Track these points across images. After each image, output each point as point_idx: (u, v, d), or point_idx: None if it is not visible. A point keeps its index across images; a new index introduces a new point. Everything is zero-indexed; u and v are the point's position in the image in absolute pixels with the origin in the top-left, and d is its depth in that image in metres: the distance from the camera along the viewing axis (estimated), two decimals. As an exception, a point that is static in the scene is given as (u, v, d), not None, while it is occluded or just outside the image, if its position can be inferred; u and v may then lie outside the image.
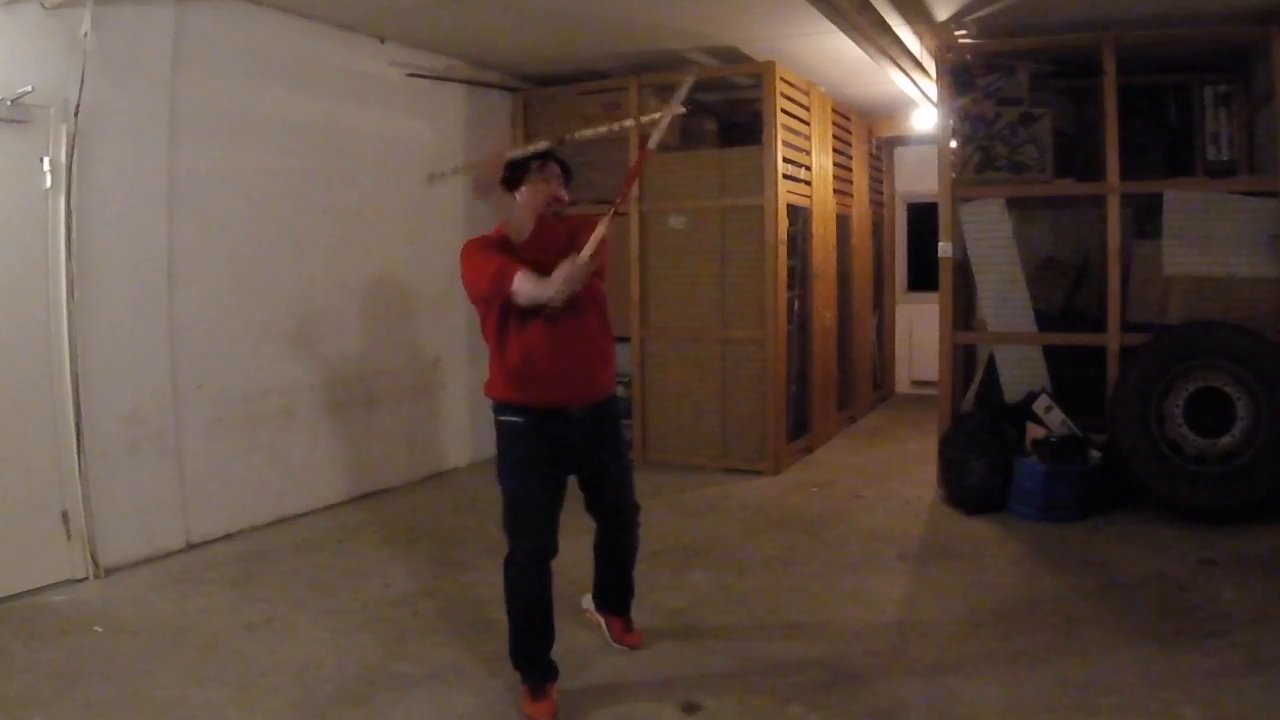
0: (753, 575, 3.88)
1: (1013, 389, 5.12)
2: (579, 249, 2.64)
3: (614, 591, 3.16)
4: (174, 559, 4.09)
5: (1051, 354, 5.09)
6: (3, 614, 3.43)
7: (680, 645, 3.16)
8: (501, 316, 2.73)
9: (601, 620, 3.17)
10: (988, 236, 5.11)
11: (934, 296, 5.30)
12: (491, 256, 2.69)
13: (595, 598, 3.20)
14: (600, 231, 2.64)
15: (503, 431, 2.79)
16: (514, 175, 2.81)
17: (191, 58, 4.20)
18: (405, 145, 5.49)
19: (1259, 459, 4.26)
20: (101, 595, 3.66)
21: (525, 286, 2.60)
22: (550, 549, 2.74)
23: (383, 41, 5.22)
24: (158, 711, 2.72)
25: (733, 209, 5.64)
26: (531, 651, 2.74)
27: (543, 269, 2.64)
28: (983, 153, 5.10)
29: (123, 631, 3.30)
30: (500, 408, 2.79)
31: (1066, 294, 5.46)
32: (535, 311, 2.68)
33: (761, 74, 5.57)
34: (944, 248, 5.12)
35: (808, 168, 6.01)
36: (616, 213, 2.77)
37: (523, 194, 2.79)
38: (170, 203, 4.15)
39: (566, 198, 2.86)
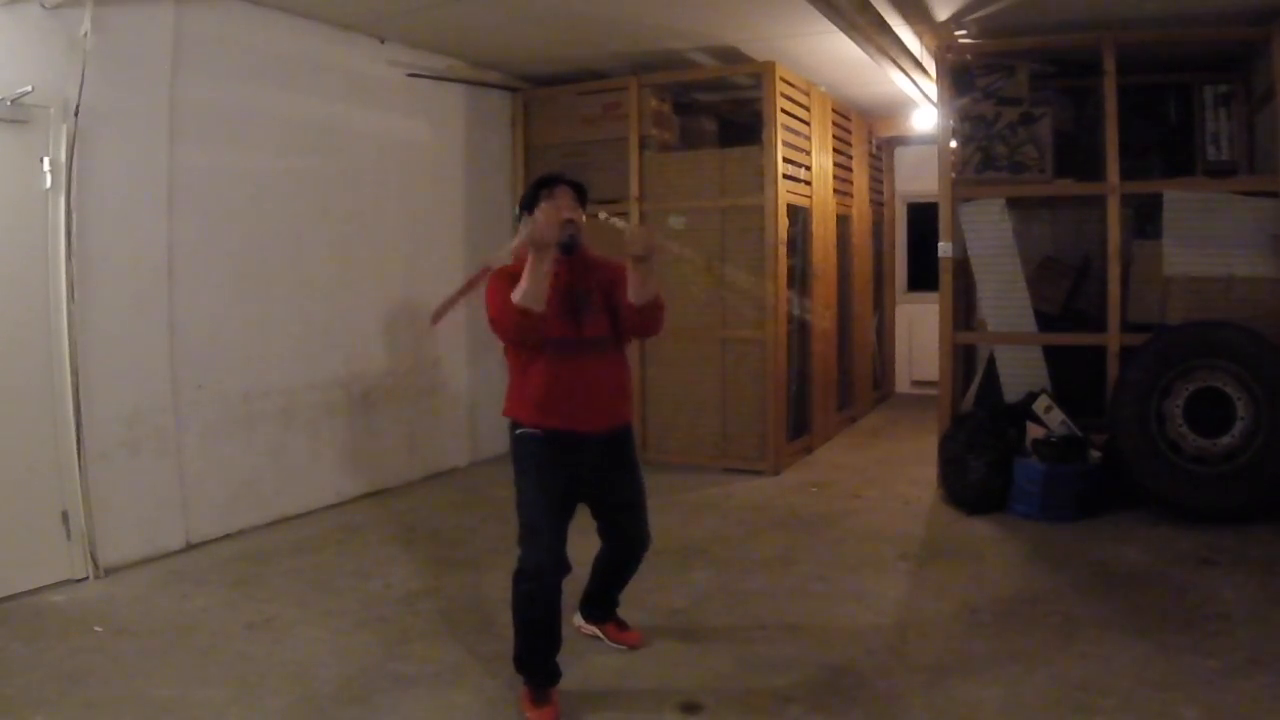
0: (753, 575, 3.88)
1: (1013, 389, 5.12)
2: (599, 291, 2.77)
3: (603, 604, 3.18)
4: (174, 559, 4.09)
5: (1051, 354, 5.09)
6: (3, 614, 3.42)
7: (680, 645, 3.16)
8: (528, 347, 2.73)
9: (596, 629, 3.18)
10: (988, 236, 5.11)
11: (934, 296, 5.30)
12: (508, 295, 2.65)
13: (583, 610, 3.22)
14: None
15: (519, 441, 2.80)
16: (527, 203, 2.82)
17: (191, 58, 4.20)
18: (405, 145, 5.49)
19: (1259, 459, 4.26)
20: (101, 595, 3.66)
21: (514, 302, 2.56)
22: (562, 565, 2.71)
23: (383, 41, 5.22)
24: (158, 711, 2.72)
25: (733, 209, 5.64)
26: (537, 659, 2.73)
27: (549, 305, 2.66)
28: (983, 153, 5.10)
29: (123, 631, 3.30)
30: (517, 423, 2.82)
31: (1066, 294, 5.46)
32: (559, 345, 2.70)
33: (761, 74, 5.57)
34: (944, 248, 5.13)
35: (808, 168, 6.01)
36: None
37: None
38: (170, 202, 4.15)
39: (582, 219, 2.83)
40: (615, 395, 2.86)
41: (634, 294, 2.72)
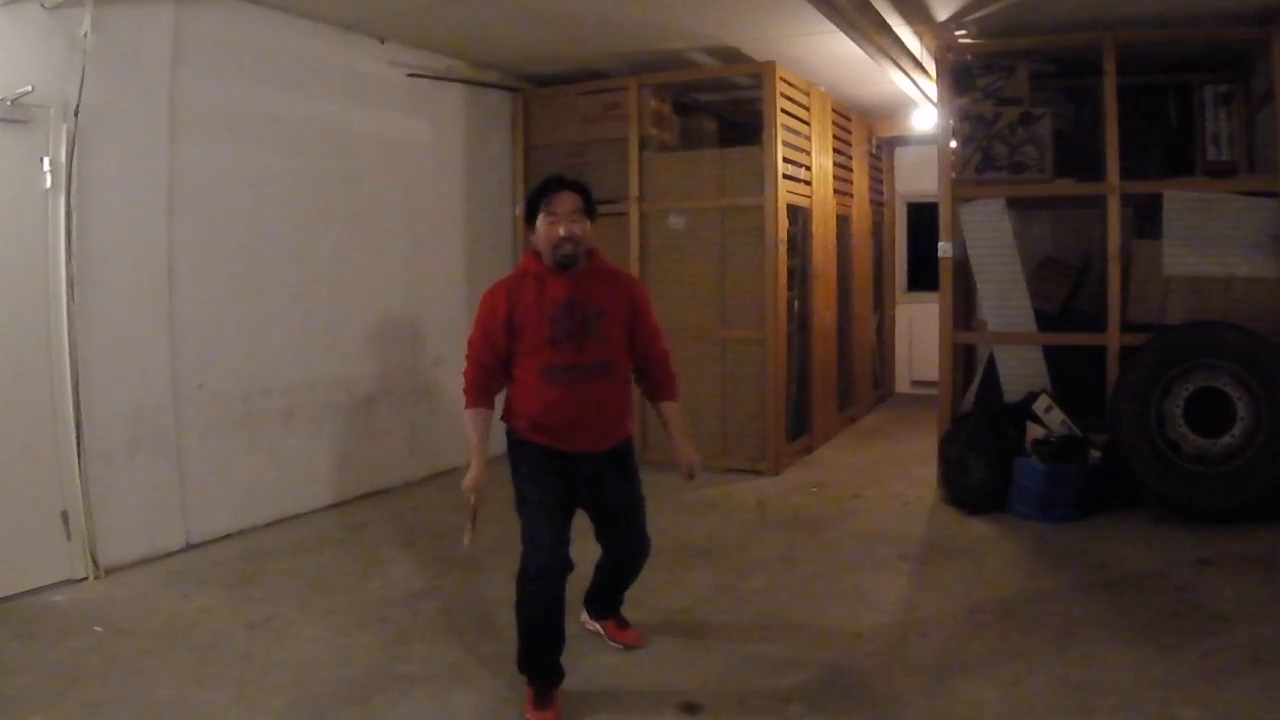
0: (753, 575, 3.88)
1: (1013, 389, 5.12)
2: (610, 312, 2.74)
3: (607, 601, 3.18)
4: (174, 559, 4.09)
5: (1051, 354, 5.09)
6: (3, 614, 3.42)
7: (680, 645, 3.16)
8: (523, 366, 2.73)
9: (599, 626, 3.19)
10: (988, 236, 5.11)
11: (934, 296, 5.30)
12: (489, 327, 2.73)
13: (587, 605, 3.22)
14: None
15: (516, 445, 2.81)
16: (529, 214, 2.78)
17: (191, 58, 4.20)
18: (405, 145, 5.49)
19: (1259, 459, 4.26)
20: (101, 595, 3.66)
21: (466, 416, 2.78)
22: (564, 565, 2.70)
23: (383, 41, 5.22)
24: (158, 711, 2.72)
25: (733, 209, 5.63)
26: (539, 660, 2.72)
27: (541, 328, 2.68)
28: (983, 153, 5.10)
29: (123, 631, 3.29)
30: (513, 431, 2.82)
31: (1066, 294, 5.46)
32: (555, 370, 2.69)
33: (761, 74, 5.57)
34: (944, 248, 5.13)
35: (808, 168, 6.01)
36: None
37: (537, 235, 2.76)
38: (170, 202, 4.15)
39: (580, 232, 2.71)
40: (614, 418, 2.83)
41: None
